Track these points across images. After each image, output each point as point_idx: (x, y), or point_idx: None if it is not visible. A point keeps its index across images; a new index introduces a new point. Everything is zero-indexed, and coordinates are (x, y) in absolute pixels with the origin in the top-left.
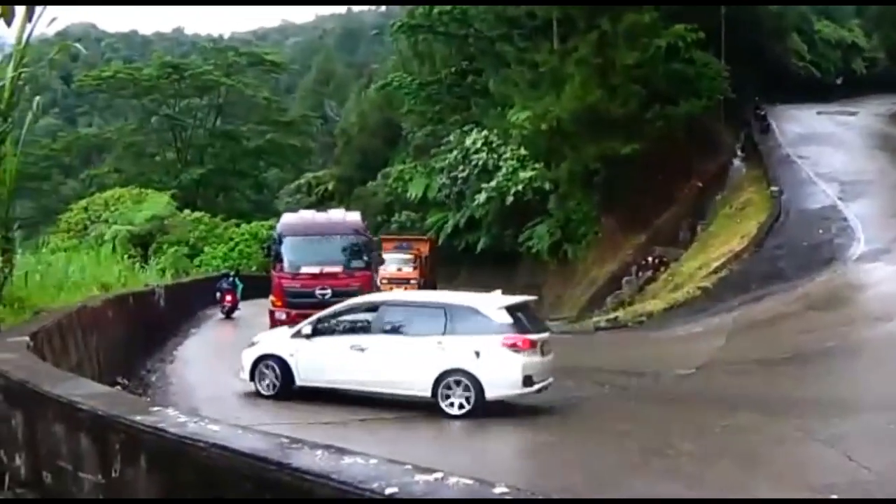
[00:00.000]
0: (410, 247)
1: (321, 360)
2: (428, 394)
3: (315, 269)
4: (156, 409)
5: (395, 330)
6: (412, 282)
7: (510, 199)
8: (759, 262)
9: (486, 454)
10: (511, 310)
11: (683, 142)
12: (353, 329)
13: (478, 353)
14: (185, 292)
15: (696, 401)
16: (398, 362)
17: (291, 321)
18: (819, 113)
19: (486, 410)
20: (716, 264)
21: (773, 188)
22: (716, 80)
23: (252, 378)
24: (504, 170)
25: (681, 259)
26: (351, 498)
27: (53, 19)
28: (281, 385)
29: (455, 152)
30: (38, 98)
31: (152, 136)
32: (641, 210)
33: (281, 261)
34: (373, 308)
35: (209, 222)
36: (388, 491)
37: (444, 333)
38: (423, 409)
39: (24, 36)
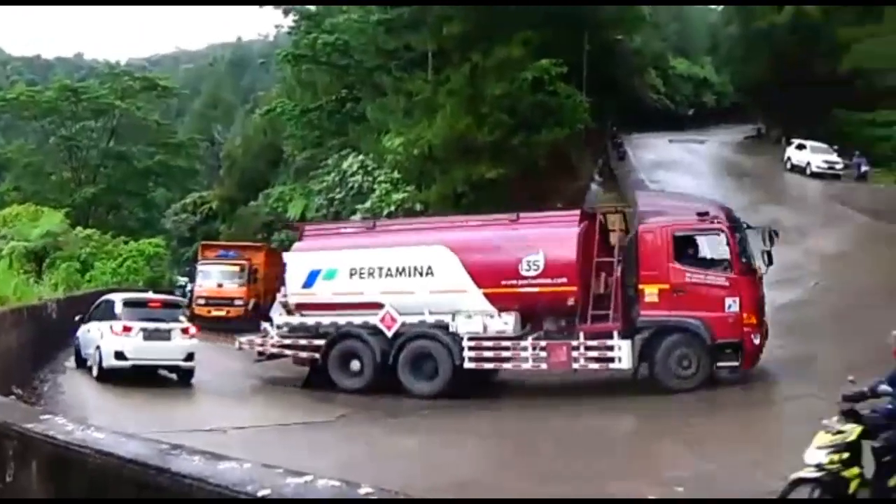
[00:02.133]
0: (239, 255)
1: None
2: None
3: None
4: (46, 417)
5: (102, 318)
6: (237, 303)
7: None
8: None
9: (357, 457)
10: (128, 304)
11: (546, 167)
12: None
13: (102, 334)
14: (76, 306)
15: (539, 404)
16: (93, 342)
17: None
18: (671, 141)
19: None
20: None
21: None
22: (577, 111)
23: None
24: (378, 192)
25: None
26: (226, 498)
27: None
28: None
29: (333, 175)
30: None
31: (50, 156)
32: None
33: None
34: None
35: (99, 239)
36: (260, 493)
37: (101, 320)
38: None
39: None
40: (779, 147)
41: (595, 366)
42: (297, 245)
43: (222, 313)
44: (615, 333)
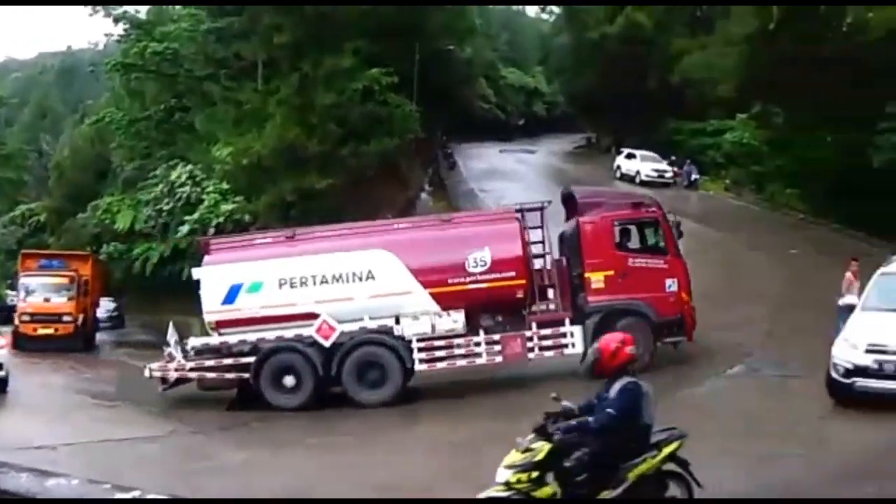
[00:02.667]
0: (65, 265)
1: None
2: None
3: None
4: None
5: None
6: (66, 319)
7: (212, 230)
8: None
9: (185, 472)
10: None
11: (376, 176)
12: None
13: None
14: None
15: (388, 414)
16: None
17: None
18: (502, 151)
19: None
20: None
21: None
22: (407, 120)
23: None
24: (206, 202)
25: None
26: None
27: None
28: None
29: (161, 185)
30: None
31: None
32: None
33: None
34: None
35: None
36: None
37: None
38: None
39: None
40: (609, 156)
41: (550, 353)
42: (207, 259)
43: (50, 331)
44: (567, 321)
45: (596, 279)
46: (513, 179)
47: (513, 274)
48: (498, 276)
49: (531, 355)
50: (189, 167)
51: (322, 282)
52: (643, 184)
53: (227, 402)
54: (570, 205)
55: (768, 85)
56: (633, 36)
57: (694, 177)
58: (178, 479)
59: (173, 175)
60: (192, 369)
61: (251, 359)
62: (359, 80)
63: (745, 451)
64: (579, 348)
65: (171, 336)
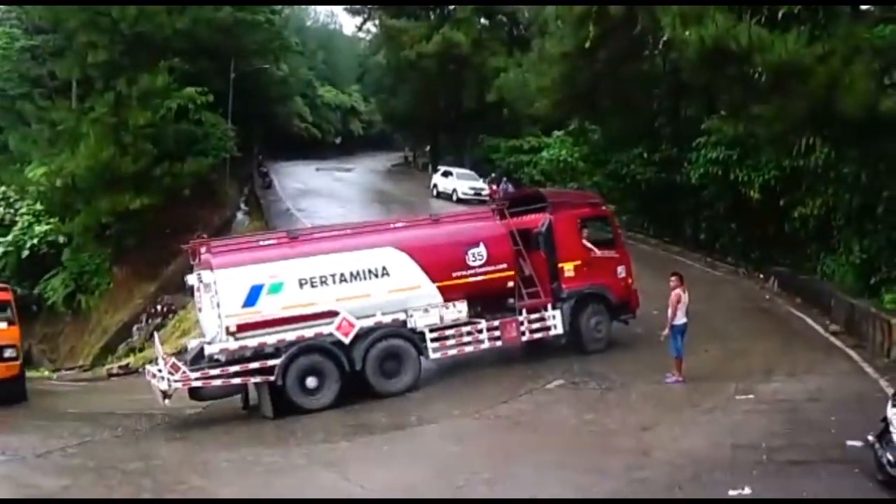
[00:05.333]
0: None
1: None
2: None
3: None
4: None
5: None
6: (9, 356)
7: (26, 252)
8: None
9: None
10: None
11: (191, 196)
12: None
13: None
14: None
15: (205, 438)
16: None
17: None
18: (318, 169)
19: None
20: None
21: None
22: (223, 140)
23: None
24: (20, 224)
25: (188, 306)
26: None
27: None
28: None
29: None
30: None
31: None
32: (151, 261)
33: None
34: None
35: None
36: None
37: None
38: None
39: None
40: (426, 174)
41: (539, 335)
42: (218, 261)
43: None
44: (549, 306)
45: (568, 268)
46: (330, 197)
47: (504, 266)
48: (493, 268)
49: (524, 338)
50: (2, 188)
51: (341, 280)
52: (460, 201)
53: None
54: (526, 203)
55: (585, 102)
56: (449, 55)
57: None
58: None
59: None
60: (210, 377)
61: (275, 361)
62: (174, 99)
63: (568, 464)
64: (560, 329)
65: (159, 348)
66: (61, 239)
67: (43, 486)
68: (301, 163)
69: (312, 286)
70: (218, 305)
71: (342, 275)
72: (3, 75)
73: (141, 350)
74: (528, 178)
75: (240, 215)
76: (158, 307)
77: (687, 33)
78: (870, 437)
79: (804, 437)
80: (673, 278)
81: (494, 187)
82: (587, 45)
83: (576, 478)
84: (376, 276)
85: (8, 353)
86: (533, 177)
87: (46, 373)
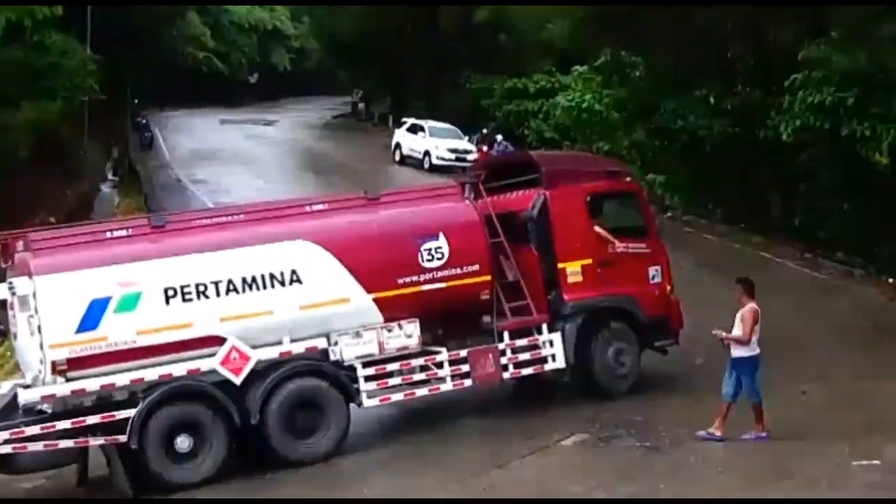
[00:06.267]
0: None
1: None
2: None
3: None
4: None
5: None
6: None
7: None
8: None
9: None
10: None
11: (30, 159)
12: None
13: None
14: None
15: None
16: None
17: None
18: (224, 122)
19: None
20: None
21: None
22: (79, 75)
23: None
24: None
25: None
26: None
27: None
28: None
29: None
30: None
31: None
32: None
33: None
34: None
35: None
36: None
37: None
38: None
39: None
40: (384, 130)
41: (529, 370)
42: (38, 263)
43: None
44: (544, 327)
45: (573, 270)
46: (241, 163)
47: (476, 268)
48: (459, 271)
49: (506, 374)
50: None
51: (228, 290)
52: (435, 170)
53: None
54: (511, 174)
55: (623, 22)
56: None
57: None
58: None
59: None
60: (27, 438)
61: (130, 412)
62: (4, 12)
63: None
64: (561, 362)
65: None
66: None
67: None
68: (199, 111)
69: (185, 299)
70: (39, 330)
71: (230, 282)
72: None
73: None
74: (536, 134)
75: (105, 189)
76: None
77: None
78: None
79: None
80: (739, 286)
81: (486, 149)
82: None
83: None
84: (282, 283)
85: None
86: (543, 132)
87: None
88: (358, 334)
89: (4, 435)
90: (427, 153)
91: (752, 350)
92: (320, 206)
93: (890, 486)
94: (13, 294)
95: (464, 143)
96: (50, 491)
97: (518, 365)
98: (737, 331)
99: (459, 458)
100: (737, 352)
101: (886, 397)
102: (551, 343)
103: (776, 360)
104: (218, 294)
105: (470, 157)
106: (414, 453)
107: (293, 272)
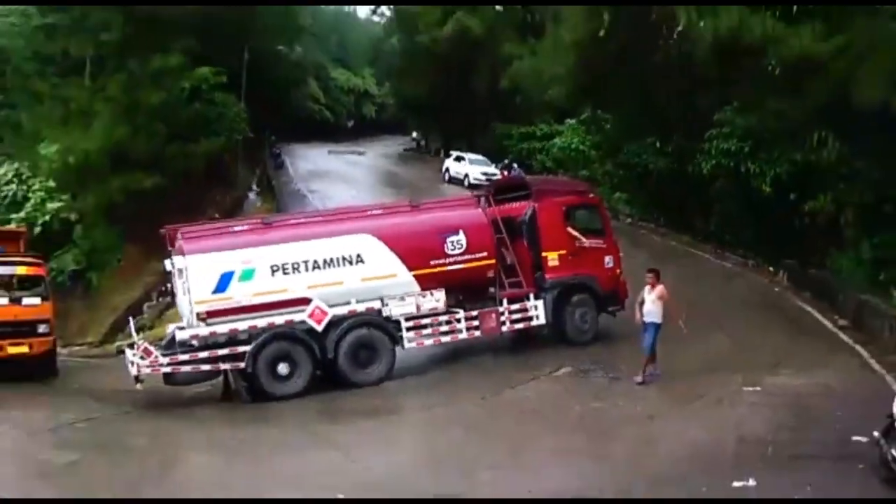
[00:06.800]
0: (4, 251)
1: None
2: None
3: None
4: None
5: None
6: (42, 331)
7: (38, 229)
8: None
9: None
10: None
11: (202, 177)
12: None
13: None
14: None
15: (213, 417)
16: None
17: None
18: (330, 152)
19: None
20: None
21: None
22: (235, 121)
23: None
24: (33, 201)
25: None
26: None
27: None
28: None
29: None
30: None
31: None
32: (163, 240)
33: None
34: None
35: None
36: None
37: None
38: None
39: None
40: (438, 159)
41: (520, 325)
42: (189, 247)
43: (24, 349)
44: (531, 296)
45: (552, 258)
46: (341, 180)
47: (485, 255)
48: (472, 257)
49: (504, 328)
50: (15, 165)
51: (314, 267)
52: (471, 186)
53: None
54: (513, 191)
55: (598, 91)
56: (463, 40)
57: None
58: (5, 481)
59: None
60: (180, 362)
61: (247, 347)
62: (187, 79)
63: (573, 452)
64: (542, 319)
65: (133, 331)
66: (73, 216)
67: (49, 461)
68: (314, 145)
69: (284, 273)
70: (189, 291)
71: (315, 262)
72: (17, 52)
73: (150, 328)
74: (541, 164)
75: (251, 196)
76: (168, 286)
77: (702, 24)
78: (875, 434)
79: (809, 432)
80: (650, 275)
81: (506, 172)
82: (601, 33)
83: (580, 465)
84: (350, 263)
85: (42, 328)
86: (545, 164)
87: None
88: (402, 298)
89: (167, 360)
90: (466, 175)
91: (660, 318)
92: (378, 211)
93: (767, 403)
94: (174, 267)
95: (491, 169)
96: (203, 395)
97: (513, 322)
98: (653, 305)
99: (484, 381)
100: (654, 318)
101: (767, 345)
102: (536, 307)
103: (697, 320)
104: (307, 269)
105: (495, 178)
106: (446, 379)
107: (358, 255)
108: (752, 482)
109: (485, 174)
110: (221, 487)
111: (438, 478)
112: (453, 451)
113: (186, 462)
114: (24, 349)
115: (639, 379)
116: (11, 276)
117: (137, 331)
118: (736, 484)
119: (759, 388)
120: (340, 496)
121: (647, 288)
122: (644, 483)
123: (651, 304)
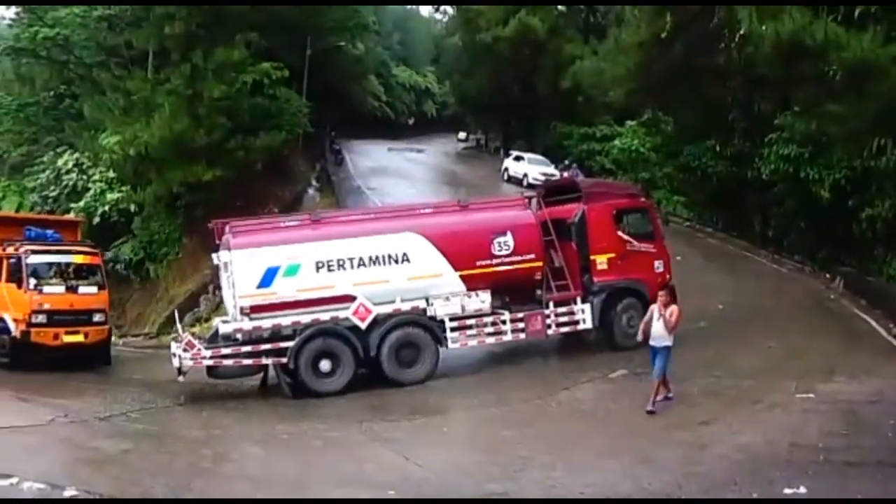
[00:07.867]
0: (62, 240)
1: None
2: None
3: None
4: None
5: None
6: (98, 320)
7: (97, 219)
8: None
9: (65, 461)
10: None
11: (262, 170)
12: None
13: None
14: None
15: (265, 411)
16: None
17: None
18: (390, 149)
19: None
20: None
21: None
22: (296, 116)
23: None
24: (93, 191)
25: None
26: None
27: None
28: None
29: (48, 172)
30: None
31: None
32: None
33: None
34: None
35: None
36: None
37: None
38: None
39: None
40: (497, 158)
41: (566, 329)
42: (236, 242)
43: (79, 338)
44: (578, 299)
45: (601, 261)
46: (400, 177)
47: (532, 256)
48: (519, 258)
49: (549, 331)
50: (76, 155)
51: (359, 264)
52: (530, 186)
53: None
54: (564, 193)
55: (659, 93)
56: (525, 40)
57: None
58: (59, 468)
59: (60, 162)
60: (222, 356)
61: (290, 343)
62: (249, 73)
63: (625, 454)
64: (589, 323)
65: (178, 324)
66: (132, 207)
67: (103, 449)
68: (374, 142)
69: (330, 269)
70: (233, 285)
71: (361, 259)
72: (80, 43)
73: (207, 320)
74: (600, 166)
75: (311, 191)
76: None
77: (763, 28)
78: None
79: (861, 439)
80: (662, 292)
81: (566, 173)
82: (663, 35)
83: (632, 468)
84: (396, 262)
85: (97, 317)
86: (604, 165)
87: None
88: (447, 299)
89: (209, 353)
90: (525, 175)
91: (672, 340)
92: (425, 210)
93: (820, 410)
94: (220, 261)
95: (550, 169)
96: (243, 389)
97: (559, 325)
98: (661, 326)
99: (539, 381)
100: (665, 342)
101: (822, 351)
102: (583, 311)
103: (752, 324)
104: (352, 267)
105: (554, 178)
106: (496, 380)
107: (404, 254)
108: (802, 489)
109: (544, 174)
110: (271, 481)
111: (490, 476)
112: (506, 451)
113: (238, 454)
114: (80, 338)
115: (650, 407)
116: (68, 265)
117: (194, 323)
118: (787, 490)
119: (812, 395)
120: (391, 493)
121: (658, 307)
122: (694, 487)
123: (661, 327)
